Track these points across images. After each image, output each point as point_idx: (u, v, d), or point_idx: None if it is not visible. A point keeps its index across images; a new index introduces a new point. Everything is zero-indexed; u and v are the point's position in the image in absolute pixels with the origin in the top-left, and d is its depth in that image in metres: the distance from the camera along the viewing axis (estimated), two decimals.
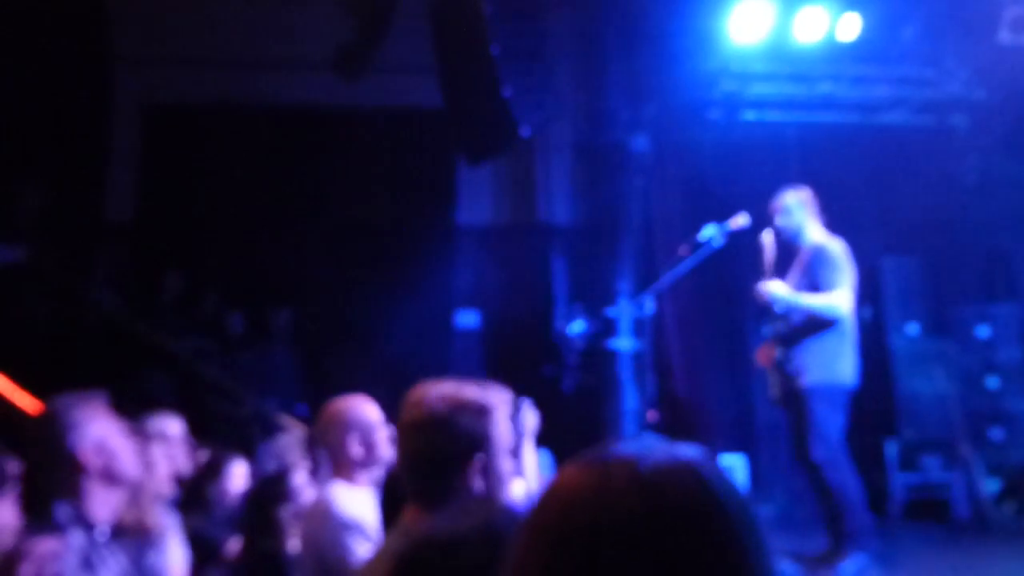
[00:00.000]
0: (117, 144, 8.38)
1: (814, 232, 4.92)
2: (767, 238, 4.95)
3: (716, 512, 0.78)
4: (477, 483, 1.87)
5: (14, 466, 2.44)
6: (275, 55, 8.51)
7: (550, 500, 0.82)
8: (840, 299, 4.65)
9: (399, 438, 1.99)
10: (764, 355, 5.02)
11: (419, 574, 1.27)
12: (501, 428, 1.95)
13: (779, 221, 4.95)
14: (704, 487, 0.79)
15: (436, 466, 1.87)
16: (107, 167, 8.29)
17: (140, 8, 8.34)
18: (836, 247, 4.81)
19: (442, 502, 1.81)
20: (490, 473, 1.90)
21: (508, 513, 1.37)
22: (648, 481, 0.78)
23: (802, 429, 4.64)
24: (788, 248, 5.02)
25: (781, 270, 5.00)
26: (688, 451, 0.83)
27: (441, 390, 1.95)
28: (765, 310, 4.97)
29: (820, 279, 4.69)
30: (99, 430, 2.19)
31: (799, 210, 4.91)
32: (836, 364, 4.66)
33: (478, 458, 1.88)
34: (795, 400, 4.71)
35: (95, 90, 8.07)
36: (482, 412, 1.92)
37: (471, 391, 1.95)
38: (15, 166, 6.85)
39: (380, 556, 1.87)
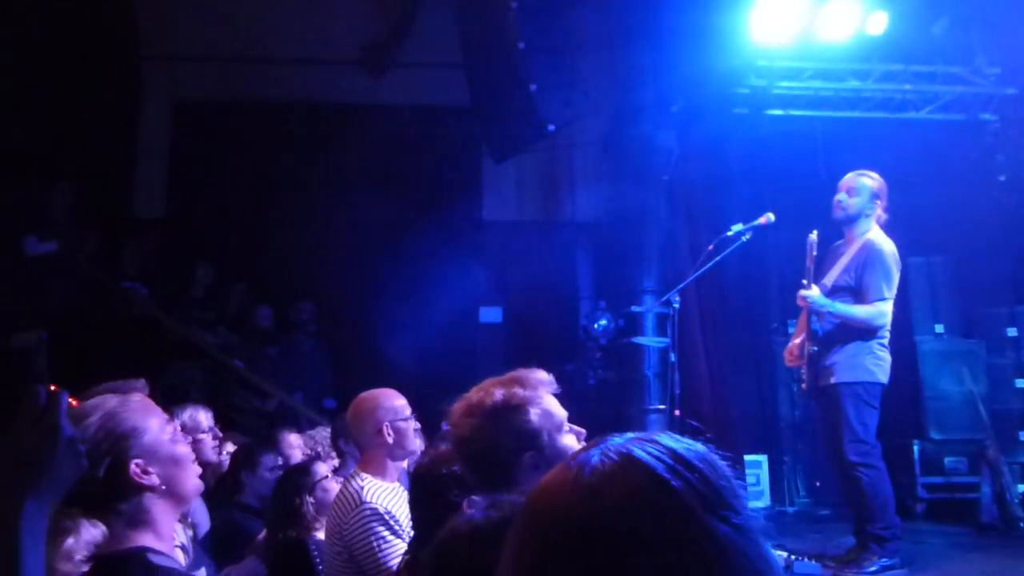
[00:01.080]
0: (146, 140, 8.49)
1: (873, 227, 4.77)
2: (813, 238, 4.79)
3: (651, 520, 0.75)
4: (536, 475, 1.91)
5: None
6: (302, 52, 8.58)
7: (525, 504, 0.83)
8: (882, 309, 4.56)
9: (455, 439, 2.02)
10: (791, 353, 4.98)
11: (447, 564, 1.30)
12: (548, 410, 1.98)
13: (842, 198, 4.77)
14: (643, 493, 0.76)
15: (496, 468, 1.91)
16: (137, 163, 8.41)
17: (168, 7, 8.45)
18: (890, 250, 4.67)
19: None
20: (547, 460, 1.92)
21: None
22: (588, 484, 0.77)
23: (836, 428, 4.60)
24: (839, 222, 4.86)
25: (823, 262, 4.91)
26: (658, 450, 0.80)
27: (491, 388, 1.99)
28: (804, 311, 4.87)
29: (867, 281, 4.60)
30: (153, 439, 2.11)
31: (868, 197, 4.76)
32: (869, 362, 4.60)
33: (533, 451, 1.92)
34: (828, 398, 4.67)
35: (125, 88, 8.19)
36: (516, 411, 1.95)
37: (510, 390, 1.97)
38: (49, 162, 6.96)
39: None
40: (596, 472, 0.78)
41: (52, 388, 1.27)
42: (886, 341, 4.68)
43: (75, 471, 1.30)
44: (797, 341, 4.94)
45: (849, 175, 4.87)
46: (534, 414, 1.96)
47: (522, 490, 1.78)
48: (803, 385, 4.88)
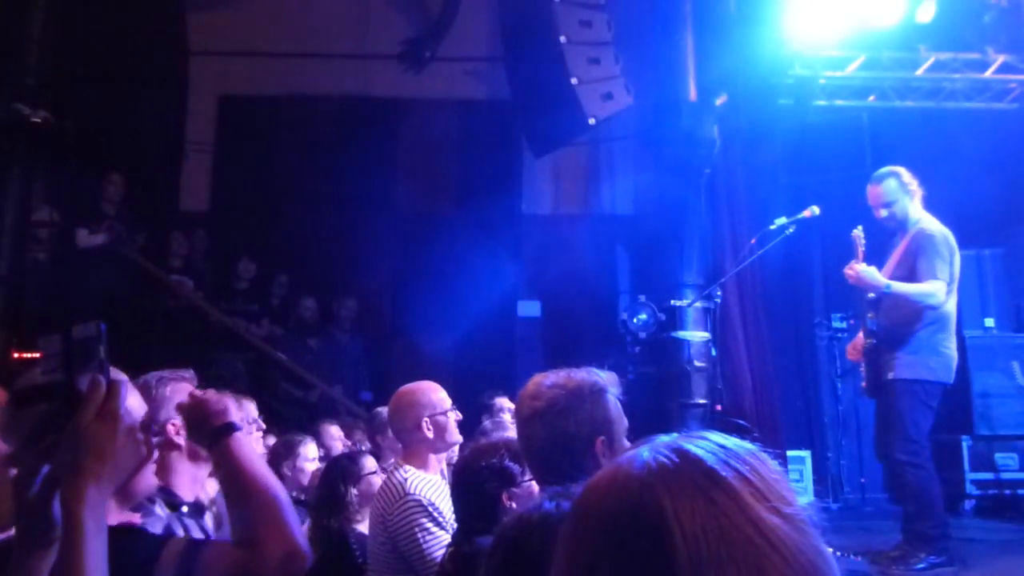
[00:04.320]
0: (192, 135, 8.63)
1: (922, 214, 4.66)
2: (858, 233, 4.69)
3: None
4: (603, 463, 1.91)
5: None
6: (344, 47, 8.66)
7: (577, 500, 0.83)
8: (935, 288, 4.42)
9: (521, 430, 2.04)
10: (854, 349, 4.90)
11: (514, 550, 1.30)
12: (617, 408, 1.99)
13: (883, 213, 4.67)
14: (694, 484, 0.76)
15: (563, 452, 1.92)
16: (184, 157, 8.55)
17: (213, 3, 8.58)
18: (938, 231, 4.56)
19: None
20: (613, 451, 1.93)
21: None
22: (639, 478, 0.77)
23: (887, 425, 4.53)
24: (891, 235, 4.76)
25: (881, 257, 4.79)
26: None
27: (556, 378, 1.99)
28: (862, 302, 4.78)
29: (919, 267, 4.48)
30: None
31: (902, 195, 4.65)
32: (928, 359, 4.48)
33: (601, 440, 1.93)
34: (885, 393, 4.57)
35: (173, 82, 8.33)
36: (599, 394, 1.96)
37: (583, 376, 1.99)
38: (101, 156, 7.12)
39: None
40: (648, 467, 0.78)
41: (112, 379, 1.30)
42: (951, 340, 4.55)
43: (135, 458, 1.33)
44: (861, 336, 4.85)
45: (868, 192, 4.75)
46: (612, 402, 1.98)
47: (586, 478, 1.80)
48: (863, 384, 4.80)
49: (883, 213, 4.71)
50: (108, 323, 1.31)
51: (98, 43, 7.35)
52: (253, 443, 3.64)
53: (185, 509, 2.16)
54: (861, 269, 4.54)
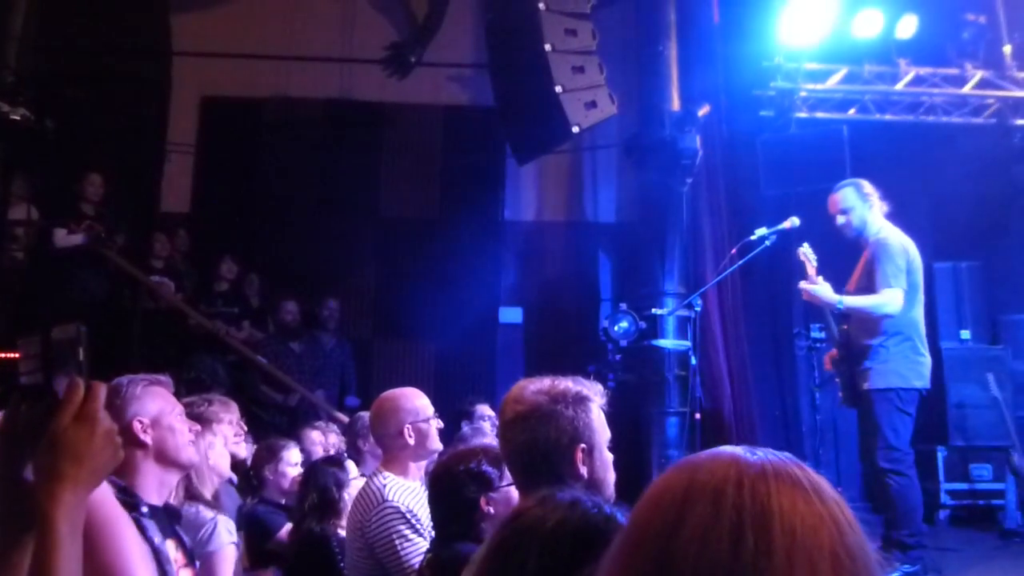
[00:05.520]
0: (174, 136, 8.56)
1: (881, 224, 4.73)
2: (805, 251, 4.77)
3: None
4: (582, 471, 1.93)
5: None
6: (328, 50, 8.63)
7: (647, 494, 0.83)
8: (887, 297, 4.48)
9: (502, 434, 2.04)
10: (831, 359, 4.96)
11: (513, 546, 1.30)
12: (600, 418, 2.00)
13: (841, 220, 4.76)
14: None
15: (542, 457, 1.92)
16: (165, 158, 8.49)
17: (197, 4, 8.53)
18: (895, 240, 4.62)
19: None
20: (594, 461, 1.95)
21: (599, 498, 1.40)
22: (743, 476, 0.78)
23: (868, 433, 4.58)
24: (854, 245, 4.83)
25: (847, 270, 4.87)
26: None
27: (540, 384, 2.00)
28: (832, 315, 4.84)
29: (876, 276, 4.54)
30: (159, 410, 2.19)
31: (860, 205, 4.73)
32: (899, 367, 4.54)
33: (582, 447, 1.93)
34: (863, 403, 4.62)
35: (155, 82, 8.27)
36: (581, 403, 1.97)
37: (568, 384, 2.00)
38: (79, 156, 7.06)
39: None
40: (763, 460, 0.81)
41: (91, 381, 1.28)
42: (921, 346, 4.61)
43: (112, 462, 1.31)
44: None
45: (830, 199, 4.85)
46: (595, 412, 1.99)
47: (569, 485, 1.80)
48: (840, 394, 4.87)
49: (840, 220, 4.80)
50: (86, 324, 1.30)
51: (80, 42, 7.30)
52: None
53: (145, 510, 2.08)
54: (813, 287, 4.61)
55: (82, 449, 1.23)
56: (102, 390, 1.28)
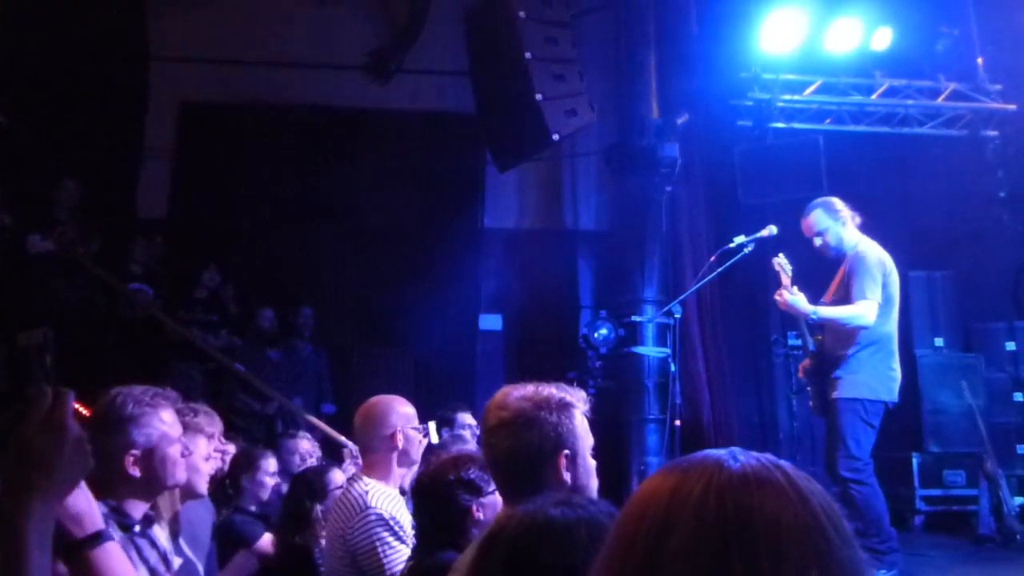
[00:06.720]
0: (151, 141, 8.48)
1: (857, 238, 4.77)
2: (780, 261, 4.81)
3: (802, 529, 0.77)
4: (565, 477, 1.93)
5: None
6: (308, 56, 8.60)
7: (630, 503, 0.83)
8: (861, 309, 4.52)
9: (486, 439, 2.04)
10: (803, 369, 5.01)
11: (502, 548, 1.30)
12: (583, 425, 2.00)
13: (818, 242, 4.79)
14: (787, 502, 0.78)
15: (526, 463, 1.93)
16: (141, 163, 8.40)
17: (177, 7, 8.47)
18: (872, 253, 4.67)
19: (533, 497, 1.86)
20: (577, 468, 1.96)
21: (592, 501, 1.41)
22: (725, 487, 0.78)
23: (832, 442, 4.62)
24: (833, 260, 4.87)
25: (822, 278, 4.91)
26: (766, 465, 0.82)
27: (524, 390, 2.01)
28: (806, 324, 4.88)
29: (852, 288, 4.59)
30: (157, 439, 2.12)
31: (833, 224, 4.77)
32: (868, 379, 4.58)
33: (565, 453, 1.94)
34: (831, 411, 4.66)
35: (131, 87, 8.19)
36: (565, 409, 1.97)
37: (552, 390, 2.00)
38: (54, 161, 6.97)
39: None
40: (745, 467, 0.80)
41: (59, 387, 1.25)
42: (892, 360, 4.65)
43: (82, 470, 1.28)
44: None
45: (803, 224, 4.86)
46: (578, 418, 1.99)
47: (558, 490, 1.81)
48: (811, 401, 4.91)
49: (817, 242, 4.83)
50: (60, 331, 1.27)
51: (56, 45, 7.21)
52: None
53: (138, 529, 2.08)
54: (789, 296, 4.64)
55: (50, 458, 1.20)
56: (70, 397, 1.25)
